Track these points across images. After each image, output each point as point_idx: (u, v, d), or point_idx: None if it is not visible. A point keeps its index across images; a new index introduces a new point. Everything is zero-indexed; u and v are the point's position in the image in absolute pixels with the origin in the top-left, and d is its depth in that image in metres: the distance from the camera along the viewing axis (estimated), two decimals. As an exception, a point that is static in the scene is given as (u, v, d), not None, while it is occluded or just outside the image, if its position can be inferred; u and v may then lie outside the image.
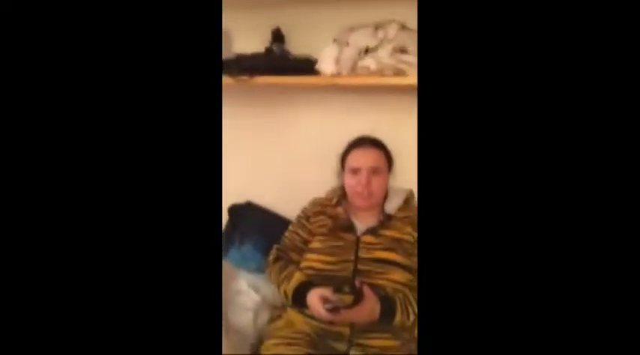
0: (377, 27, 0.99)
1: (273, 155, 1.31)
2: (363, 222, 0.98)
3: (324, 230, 0.98)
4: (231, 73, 1.01)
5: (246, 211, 1.32)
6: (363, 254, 0.93)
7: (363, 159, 0.96)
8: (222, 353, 0.89)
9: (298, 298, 0.90)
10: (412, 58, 0.93)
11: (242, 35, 1.14)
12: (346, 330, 0.88)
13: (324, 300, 0.84)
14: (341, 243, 0.95)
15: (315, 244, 0.97)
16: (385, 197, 1.00)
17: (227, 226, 1.33)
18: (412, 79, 0.91)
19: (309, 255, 0.96)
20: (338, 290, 0.88)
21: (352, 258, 0.92)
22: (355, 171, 0.96)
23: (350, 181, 0.97)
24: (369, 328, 0.88)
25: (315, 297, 0.86)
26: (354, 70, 0.98)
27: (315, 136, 1.23)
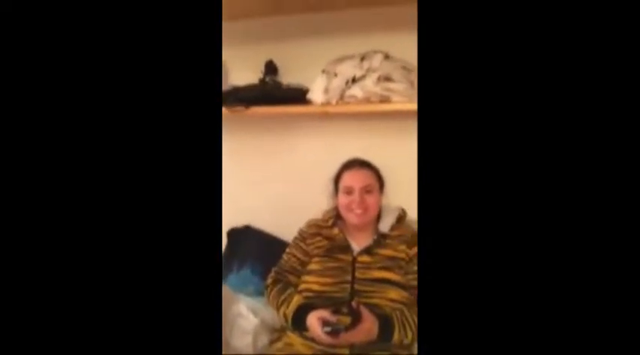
0: (363, 58, 1.06)
1: (269, 180, 1.36)
2: (358, 242, 1.01)
3: (320, 251, 1.01)
4: (227, 104, 1.07)
5: (244, 234, 1.35)
6: (359, 274, 0.96)
7: (356, 178, 1.00)
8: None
9: (298, 321, 0.92)
10: (396, 86, 0.99)
11: (237, 68, 1.21)
12: (345, 352, 0.89)
13: (324, 323, 0.85)
14: (338, 264, 0.97)
15: (313, 266, 0.99)
16: (379, 216, 1.04)
17: (226, 250, 1.36)
18: (397, 105, 0.97)
19: (307, 277, 0.98)
20: (336, 311, 0.91)
21: (349, 278, 0.95)
22: (349, 191, 1.00)
23: (344, 200, 1.00)
24: (368, 348, 0.89)
25: (314, 320, 0.88)
26: (342, 98, 1.04)
27: (308, 161, 1.29)
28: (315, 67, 1.08)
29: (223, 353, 0.93)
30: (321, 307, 0.91)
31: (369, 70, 1.03)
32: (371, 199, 0.99)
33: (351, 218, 1.00)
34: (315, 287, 0.96)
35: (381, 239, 1.00)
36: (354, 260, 0.98)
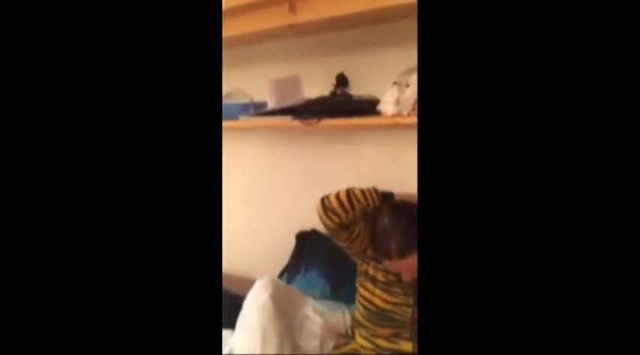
0: (436, 68, 1.04)
1: (338, 187, 1.40)
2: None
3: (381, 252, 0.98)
4: (300, 117, 1.13)
5: (311, 238, 1.41)
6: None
7: None
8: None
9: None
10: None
11: (310, 81, 1.26)
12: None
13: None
14: (398, 284, 0.95)
15: (377, 275, 0.99)
16: None
17: (294, 252, 1.43)
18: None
19: (370, 285, 0.98)
20: (396, 335, 0.90)
21: (411, 302, 0.93)
22: None
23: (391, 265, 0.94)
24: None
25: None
26: (414, 109, 1.03)
27: (377, 170, 1.30)
28: (387, 79, 1.09)
29: (293, 354, 0.99)
30: (379, 325, 0.93)
31: (443, 81, 1.01)
32: (413, 261, 0.88)
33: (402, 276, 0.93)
34: (378, 302, 0.96)
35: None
36: (414, 281, 0.94)
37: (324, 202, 0.94)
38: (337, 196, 0.93)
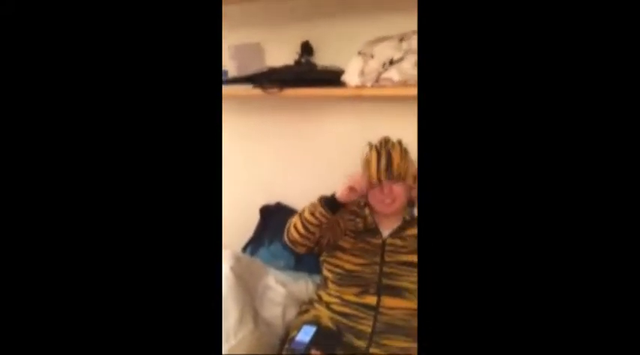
0: (401, 38, 1.03)
1: (301, 160, 1.39)
2: (385, 226, 1.03)
3: (353, 229, 1.03)
4: (262, 85, 1.09)
5: (276, 211, 1.41)
6: (388, 257, 0.98)
7: None
8: (254, 343, 0.98)
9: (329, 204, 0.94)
10: (434, 69, 0.96)
11: (274, 49, 1.21)
12: (368, 329, 0.93)
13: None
14: (367, 246, 1.00)
15: (345, 244, 1.02)
16: (412, 200, 1.04)
17: (258, 226, 1.42)
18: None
19: (339, 253, 1.02)
20: (364, 291, 0.94)
21: (378, 260, 0.98)
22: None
23: (373, 191, 1.00)
24: (391, 330, 0.93)
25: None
26: (378, 81, 1.02)
27: (340, 143, 1.29)
28: (352, 48, 1.07)
29: (254, 324, 1.00)
30: (350, 285, 0.98)
31: (407, 52, 1.00)
32: (398, 189, 0.99)
33: (380, 207, 1.01)
34: (347, 265, 1.00)
35: (408, 223, 1.01)
36: (384, 242, 1.00)
37: (288, 238, 1.00)
38: (295, 227, 0.97)
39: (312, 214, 0.94)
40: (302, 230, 0.96)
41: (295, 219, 0.98)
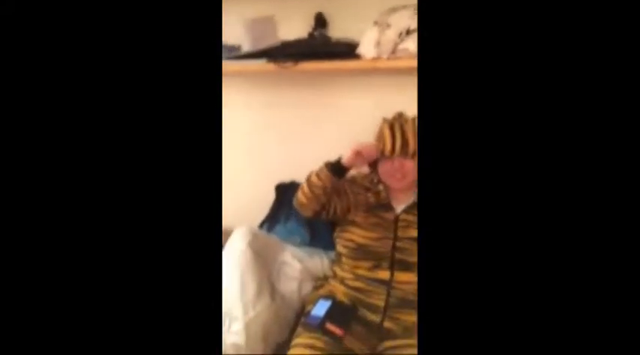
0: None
1: (315, 135, 1.37)
2: (399, 201, 1.02)
3: (364, 204, 1.02)
4: (275, 60, 1.07)
5: (291, 189, 1.41)
6: (401, 232, 0.98)
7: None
8: (271, 316, 1.00)
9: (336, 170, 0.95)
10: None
11: (286, 21, 1.18)
12: (381, 303, 0.94)
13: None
14: (380, 221, 1.00)
15: (357, 218, 1.02)
16: None
17: (274, 204, 1.43)
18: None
19: (351, 228, 1.02)
20: (377, 266, 0.94)
21: (391, 235, 0.97)
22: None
23: (383, 164, 0.99)
24: (404, 304, 0.93)
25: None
26: (394, 52, 0.98)
27: (356, 118, 1.27)
28: (368, 19, 1.03)
29: (271, 298, 1.02)
30: (363, 259, 0.98)
31: (425, 21, 0.96)
32: (410, 165, 0.97)
33: (392, 182, 1.00)
34: (359, 239, 1.00)
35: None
36: (397, 218, 0.99)
37: (297, 201, 1.02)
38: (302, 190, 1.00)
39: (318, 176, 0.96)
40: (308, 192, 0.97)
41: (303, 183, 1.00)
